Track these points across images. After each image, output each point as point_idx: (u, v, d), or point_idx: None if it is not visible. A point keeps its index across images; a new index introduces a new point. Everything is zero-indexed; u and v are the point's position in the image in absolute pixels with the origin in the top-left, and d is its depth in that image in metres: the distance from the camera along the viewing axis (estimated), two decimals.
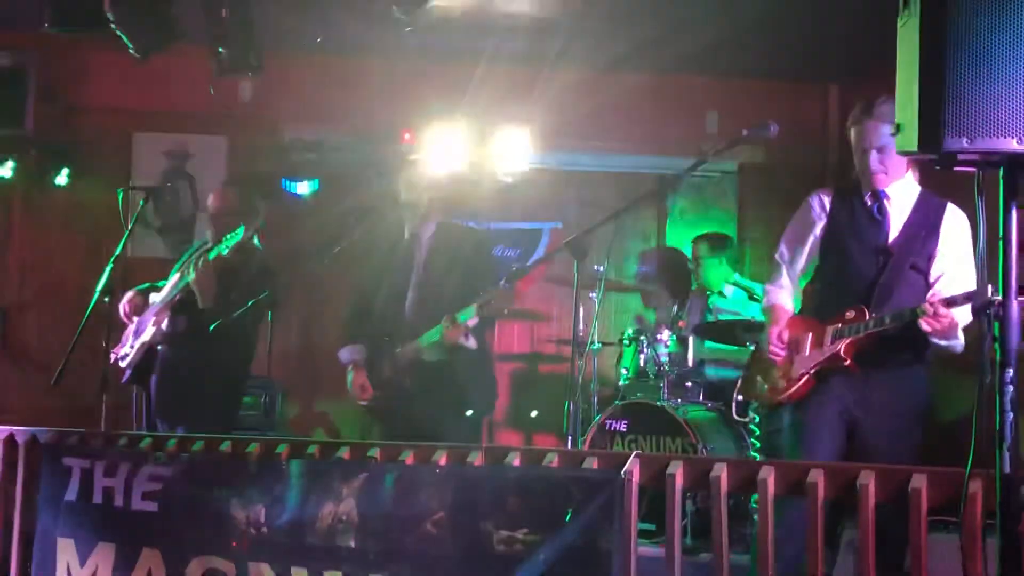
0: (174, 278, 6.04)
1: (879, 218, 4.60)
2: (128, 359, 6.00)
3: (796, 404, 4.63)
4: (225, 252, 5.71)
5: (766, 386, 4.76)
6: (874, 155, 4.51)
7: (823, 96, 9.03)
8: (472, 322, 5.43)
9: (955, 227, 4.55)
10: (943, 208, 4.57)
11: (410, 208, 5.75)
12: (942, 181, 3.70)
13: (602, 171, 8.91)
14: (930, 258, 4.53)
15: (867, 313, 4.47)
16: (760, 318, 7.06)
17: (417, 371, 5.57)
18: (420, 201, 5.74)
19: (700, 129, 8.81)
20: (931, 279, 4.53)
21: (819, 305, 4.72)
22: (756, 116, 4.68)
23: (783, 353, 4.68)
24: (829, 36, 7.76)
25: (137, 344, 5.97)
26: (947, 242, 4.53)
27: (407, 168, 5.98)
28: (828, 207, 4.73)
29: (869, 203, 4.62)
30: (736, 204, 9.08)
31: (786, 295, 4.84)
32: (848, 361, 4.48)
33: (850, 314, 4.51)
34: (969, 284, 4.41)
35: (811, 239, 4.76)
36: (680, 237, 8.87)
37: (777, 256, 4.89)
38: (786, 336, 4.70)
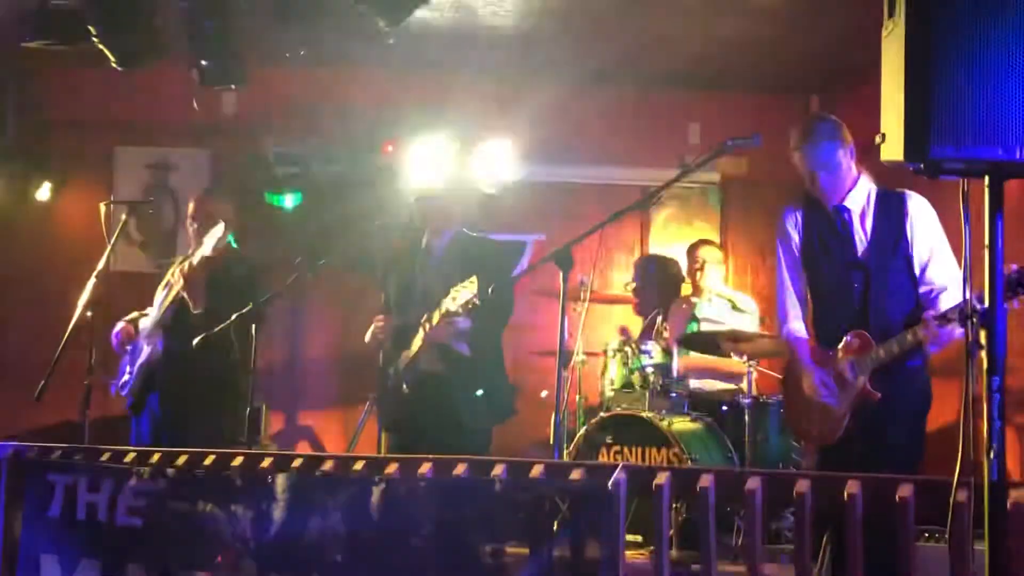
0: (161, 296, 6.03)
1: (844, 234, 4.66)
2: (129, 386, 5.98)
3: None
4: (209, 252, 5.71)
5: (814, 429, 4.77)
6: (822, 176, 4.58)
7: (804, 108, 9.04)
8: (463, 324, 5.43)
9: (920, 217, 4.59)
10: (903, 202, 4.61)
11: (423, 217, 5.79)
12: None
13: (585, 183, 8.91)
14: (907, 257, 4.57)
15: (871, 342, 4.51)
16: (745, 328, 7.09)
17: (415, 381, 5.58)
18: (435, 211, 5.78)
19: (682, 141, 8.84)
20: (916, 273, 4.57)
21: (821, 329, 4.76)
22: (738, 128, 4.70)
23: (834, 403, 4.69)
24: (810, 49, 7.79)
25: (136, 368, 5.95)
26: (917, 235, 4.56)
27: (419, 180, 6.02)
28: (799, 225, 4.79)
29: (833, 218, 4.67)
30: (719, 215, 9.10)
31: (798, 322, 4.86)
32: (876, 395, 4.52)
33: (854, 343, 4.54)
34: (951, 269, 4.49)
35: (796, 257, 4.80)
36: (663, 248, 8.88)
37: (778, 281, 4.92)
38: (828, 379, 4.70)
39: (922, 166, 2.65)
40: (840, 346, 4.60)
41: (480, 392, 5.64)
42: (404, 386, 5.63)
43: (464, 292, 5.25)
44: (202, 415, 5.88)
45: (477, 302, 5.25)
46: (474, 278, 5.26)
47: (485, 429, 5.76)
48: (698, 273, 7.71)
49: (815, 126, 4.65)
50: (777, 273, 4.92)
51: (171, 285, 5.99)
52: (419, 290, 5.75)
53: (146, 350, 5.94)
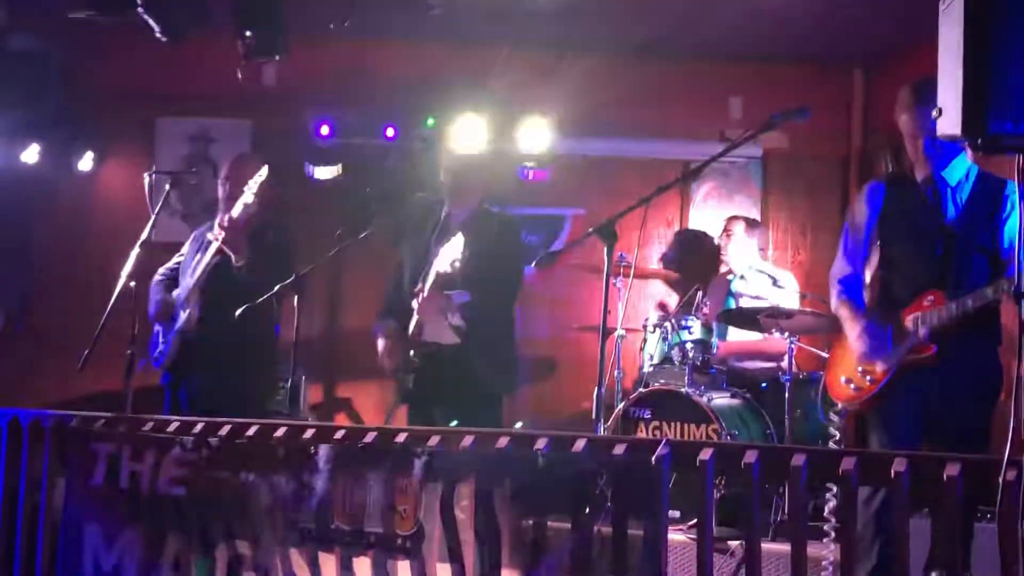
0: (195, 260, 6.05)
1: (934, 203, 4.58)
2: (166, 355, 5.99)
3: (880, 404, 4.62)
4: (251, 199, 5.74)
5: (852, 386, 4.74)
6: (927, 141, 4.49)
7: (847, 81, 8.97)
8: (459, 298, 5.45)
9: (1020, 207, 4.48)
10: (1003, 186, 4.53)
11: (449, 191, 5.78)
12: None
13: (625, 157, 8.86)
14: (996, 237, 4.49)
15: (944, 299, 4.45)
16: (786, 305, 7.05)
17: (433, 354, 5.59)
18: (461, 185, 5.77)
19: (724, 115, 8.78)
20: (1003, 257, 4.48)
21: (891, 295, 4.69)
22: (780, 102, 4.63)
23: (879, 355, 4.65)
24: (853, 20, 7.71)
25: (172, 337, 5.97)
26: (1010, 223, 4.47)
27: (449, 152, 6.00)
28: (882, 195, 4.72)
29: (923, 188, 4.59)
30: (760, 190, 9.03)
31: (854, 289, 4.83)
32: (932, 349, 4.46)
33: (928, 300, 4.48)
34: None
35: (868, 229, 4.75)
36: (703, 223, 8.84)
37: (839, 250, 4.89)
38: (867, 337, 4.66)
39: (979, 141, 2.61)
40: (912, 304, 4.55)
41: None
42: (412, 356, 5.64)
43: (449, 251, 5.26)
44: (242, 380, 5.91)
45: (459, 259, 5.24)
46: (460, 235, 5.26)
47: (495, 399, 5.78)
48: (728, 249, 7.69)
49: (930, 89, 4.47)
50: (841, 242, 4.88)
51: (206, 245, 6.00)
52: (431, 263, 5.75)
53: (182, 315, 5.97)
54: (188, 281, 6.03)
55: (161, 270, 6.26)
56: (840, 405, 4.93)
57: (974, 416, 4.46)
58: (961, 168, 4.59)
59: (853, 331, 4.73)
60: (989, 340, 4.55)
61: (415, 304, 5.54)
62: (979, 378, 4.52)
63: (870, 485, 3.34)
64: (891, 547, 3.28)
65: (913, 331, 4.51)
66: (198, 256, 6.06)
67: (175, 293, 6.10)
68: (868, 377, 4.66)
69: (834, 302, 4.92)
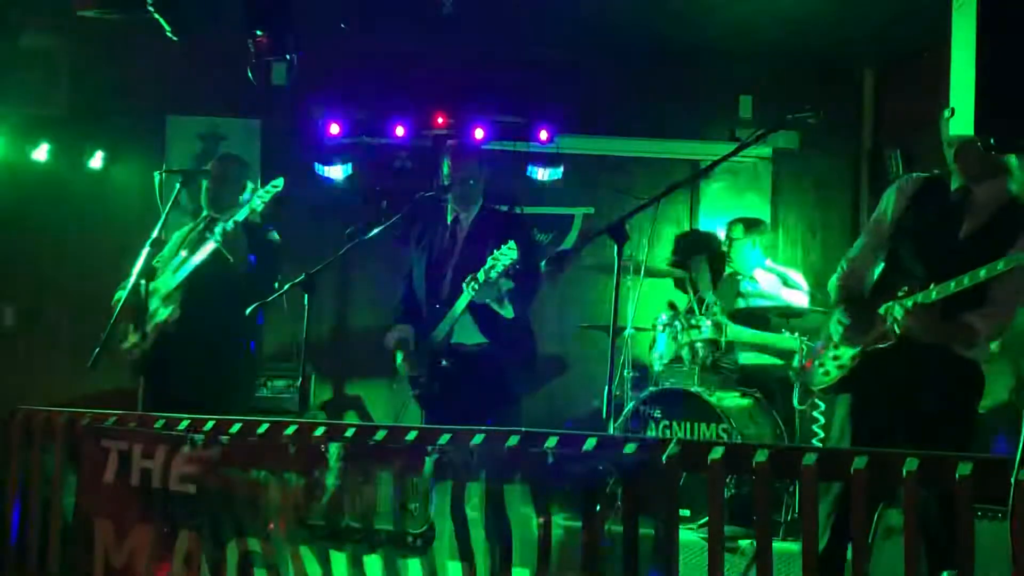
0: (180, 258, 6.02)
1: (956, 215, 4.48)
2: (140, 348, 5.95)
3: (851, 390, 4.62)
4: (259, 207, 5.72)
5: (821, 371, 4.75)
6: (962, 148, 4.42)
7: (858, 81, 8.98)
8: (506, 285, 5.47)
9: None
10: None
11: (455, 191, 5.79)
12: None
13: (635, 156, 8.86)
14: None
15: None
16: (794, 305, 7.06)
17: (457, 354, 5.60)
18: (467, 184, 5.78)
19: (734, 114, 8.79)
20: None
21: (882, 289, 4.67)
22: (790, 102, 4.63)
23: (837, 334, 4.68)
24: (864, 21, 7.70)
25: (150, 328, 5.93)
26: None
27: (456, 152, 6.01)
28: (912, 192, 4.66)
29: (953, 198, 4.52)
30: (770, 190, 9.03)
31: (855, 279, 4.81)
32: (893, 337, 4.44)
33: (902, 291, 4.46)
34: None
35: (889, 222, 4.71)
36: (713, 223, 8.83)
37: (860, 239, 4.89)
38: (847, 318, 4.67)
39: (992, 141, 2.60)
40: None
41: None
42: (443, 361, 5.65)
43: (504, 257, 5.28)
44: (217, 382, 5.88)
45: (519, 267, 5.28)
46: (512, 243, 5.29)
47: (518, 399, 5.79)
48: (731, 252, 7.69)
49: None
50: (868, 225, 4.89)
51: (196, 244, 5.97)
52: (450, 265, 5.76)
53: (163, 311, 5.95)
54: (173, 276, 5.99)
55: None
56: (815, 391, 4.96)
57: (946, 409, 4.41)
58: (995, 188, 4.45)
59: (831, 316, 4.75)
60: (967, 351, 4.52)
61: (464, 295, 5.55)
62: (949, 371, 4.47)
63: (878, 483, 3.32)
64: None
65: (881, 319, 4.50)
66: (183, 254, 6.04)
67: (153, 285, 6.01)
68: (837, 363, 4.67)
69: (833, 281, 4.90)
